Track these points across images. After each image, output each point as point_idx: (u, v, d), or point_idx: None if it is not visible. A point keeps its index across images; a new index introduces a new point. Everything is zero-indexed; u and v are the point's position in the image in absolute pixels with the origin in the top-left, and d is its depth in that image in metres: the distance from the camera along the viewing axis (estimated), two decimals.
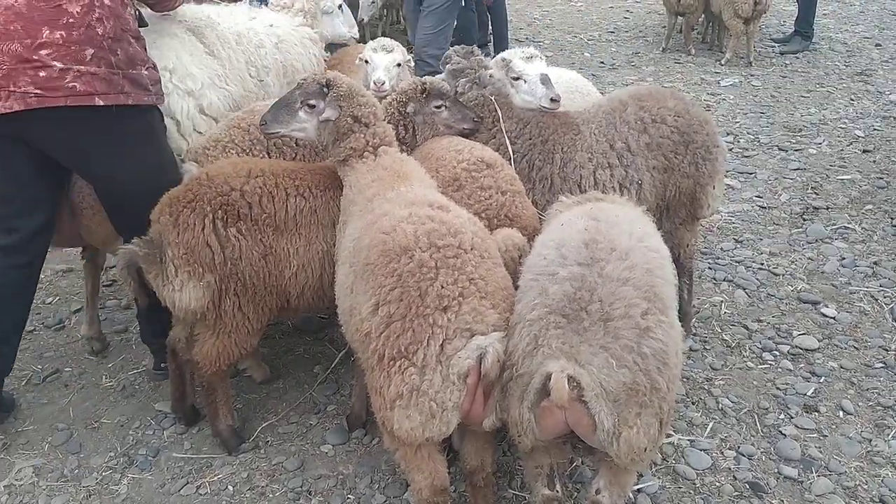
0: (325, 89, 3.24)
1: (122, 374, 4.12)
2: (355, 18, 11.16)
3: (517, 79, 3.88)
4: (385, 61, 4.44)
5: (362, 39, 11.79)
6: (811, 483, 3.27)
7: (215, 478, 3.36)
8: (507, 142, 3.82)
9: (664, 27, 12.10)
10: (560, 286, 2.49)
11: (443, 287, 2.50)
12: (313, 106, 3.24)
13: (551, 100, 3.80)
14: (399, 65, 4.76)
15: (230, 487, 3.30)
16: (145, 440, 3.62)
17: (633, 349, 2.37)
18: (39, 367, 4.21)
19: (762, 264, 5.18)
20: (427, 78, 3.78)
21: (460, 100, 3.86)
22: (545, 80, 3.84)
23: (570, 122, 3.91)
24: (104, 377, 4.09)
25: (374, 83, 4.18)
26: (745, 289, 4.86)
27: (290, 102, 3.28)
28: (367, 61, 4.43)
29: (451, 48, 4.03)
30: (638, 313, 2.41)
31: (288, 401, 3.88)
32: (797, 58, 10.61)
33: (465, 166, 3.29)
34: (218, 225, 3.18)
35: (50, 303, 4.87)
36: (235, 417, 3.61)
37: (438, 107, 3.68)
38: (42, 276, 5.00)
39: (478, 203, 3.19)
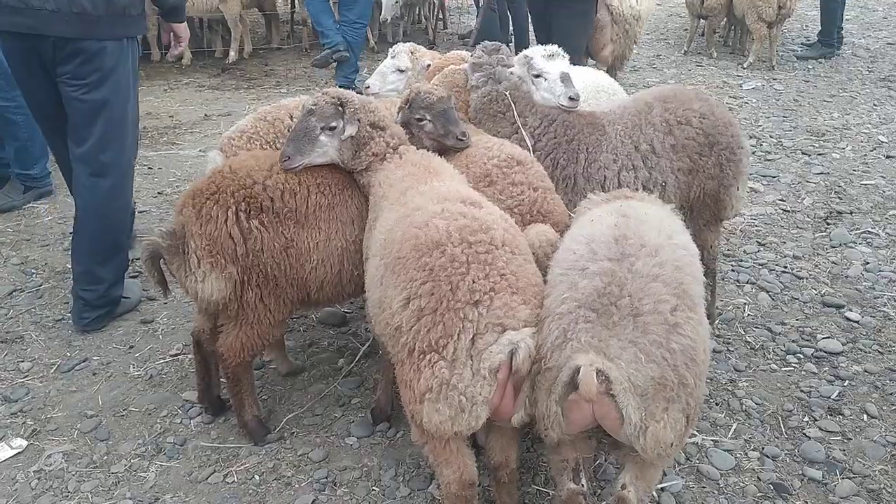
0: (339, 108, 3.27)
1: (150, 364, 4.17)
2: (378, 18, 11.31)
3: (538, 76, 3.90)
4: (382, 66, 4.85)
5: (384, 38, 11.92)
6: (835, 485, 3.27)
7: (242, 467, 3.40)
8: (527, 137, 3.84)
9: (685, 30, 12.10)
10: (590, 281, 2.51)
11: (474, 282, 2.52)
12: (334, 128, 3.27)
13: (570, 98, 3.82)
14: (402, 70, 4.85)
15: (256, 477, 3.34)
16: (173, 429, 3.67)
17: (662, 344, 2.38)
18: (68, 354, 4.27)
19: (785, 267, 5.17)
20: (420, 87, 3.67)
21: (475, 94, 3.88)
22: (565, 78, 3.86)
23: (596, 123, 3.93)
24: (132, 366, 4.15)
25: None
26: (768, 291, 4.85)
27: (307, 131, 3.27)
28: None
29: (481, 44, 4.05)
30: (667, 309, 2.43)
31: (312, 393, 3.92)
32: (819, 63, 10.58)
33: (496, 163, 3.32)
34: (241, 217, 3.21)
35: None
36: (261, 408, 3.66)
37: (420, 119, 3.52)
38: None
39: (510, 199, 3.21)
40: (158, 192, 6.51)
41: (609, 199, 3.10)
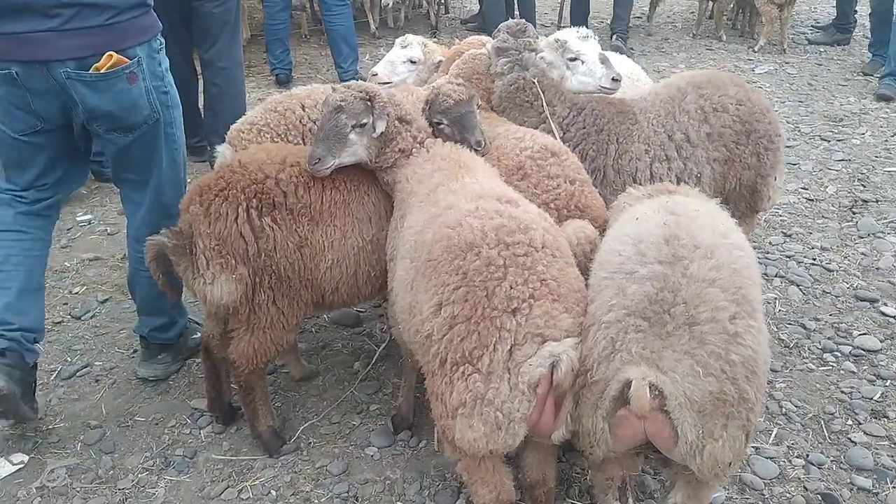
0: (368, 103, 3.03)
1: None
2: (379, 3, 11.04)
3: (574, 59, 3.67)
4: (391, 55, 4.69)
5: (385, 24, 11.64)
6: (887, 495, 3.09)
7: (257, 481, 3.20)
8: (555, 128, 3.61)
9: (692, 13, 11.84)
10: (640, 286, 2.31)
11: (512, 287, 2.32)
12: (364, 125, 3.03)
13: (612, 79, 3.60)
14: (413, 62, 4.64)
15: (273, 492, 3.15)
16: (182, 440, 3.47)
17: (721, 356, 2.19)
18: (69, 359, 4.06)
19: (814, 259, 4.97)
20: (441, 86, 3.33)
21: (500, 82, 3.65)
22: (604, 59, 3.64)
23: (627, 111, 3.71)
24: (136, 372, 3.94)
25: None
26: (798, 285, 4.65)
27: (338, 130, 3.01)
28: None
29: (504, 23, 3.80)
30: (726, 317, 2.23)
31: (328, 399, 3.72)
32: (832, 46, 10.33)
33: (530, 154, 3.10)
34: (252, 214, 3.01)
35: (77, 293, 4.71)
36: (275, 417, 3.46)
37: (438, 123, 3.28)
38: (68, 264, 4.94)
39: (545, 193, 2.99)
40: None
41: (651, 193, 2.89)
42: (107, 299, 4.60)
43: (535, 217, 2.53)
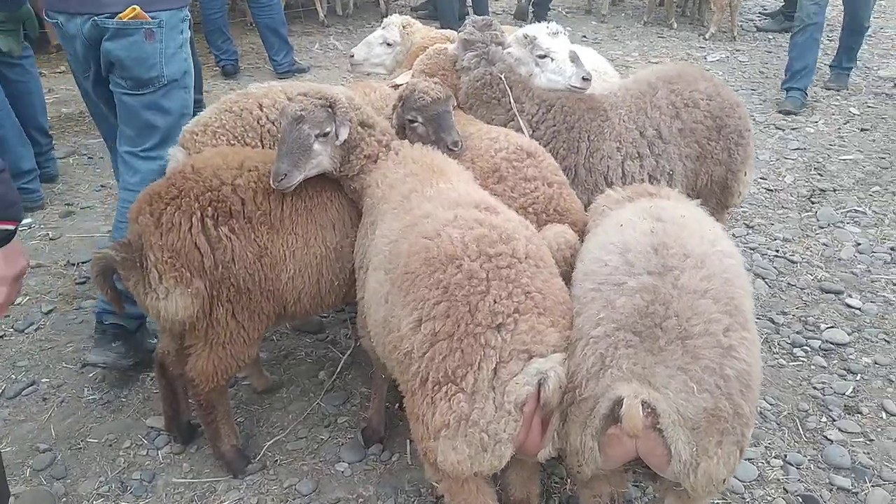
0: (330, 110, 2.87)
1: (106, 385, 3.74)
2: None
3: (543, 57, 3.54)
4: (371, 36, 4.63)
5: (332, 11, 11.35)
6: (866, 494, 3.07)
7: None
8: (524, 125, 3.49)
9: (643, 1, 11.85)
10: (629, 298, 2.21)
11: (496, 302, 2.20)
12: (327, 133, 2.87)
13: (583, 79, 3.48)
14: (390, 44, 4.51)
15: None
16: (138, 462, 3.27)
17: (716, 371, 2.11)
18: (13, 377, 3.81)
19: (777, 251, 4.97)
20: (417, 83, 3.19)
21: (466, 77, 3.51)
22: (574, 57, 3.52)
23: (597, 107, 3.60)
24: (86, 389, 3.71)
25: None
26: (764, 278, 4.64)
27: (300, 142, 2.83)
28: None
29: (469, 17, 3.66)
30: (719, 330, 2.15)
31: (294, 412, 3.56)
32: (780, 33, 10.43)
33: (505, 155, 2.97)
34: (208, 224, 2.83)
35: (19, 303, 4.42)
36: (238, 435, 3.28)
37: (412, 121, 3.14)
38: None
39: (523, 196, 2.87)
40: (101, 185, 5.98)
41: (631, 196, 2.79)
42: (51, 310, 4.34)
43: (516, 226, 2.41)
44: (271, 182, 2.85)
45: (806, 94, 7.65)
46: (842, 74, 8.25)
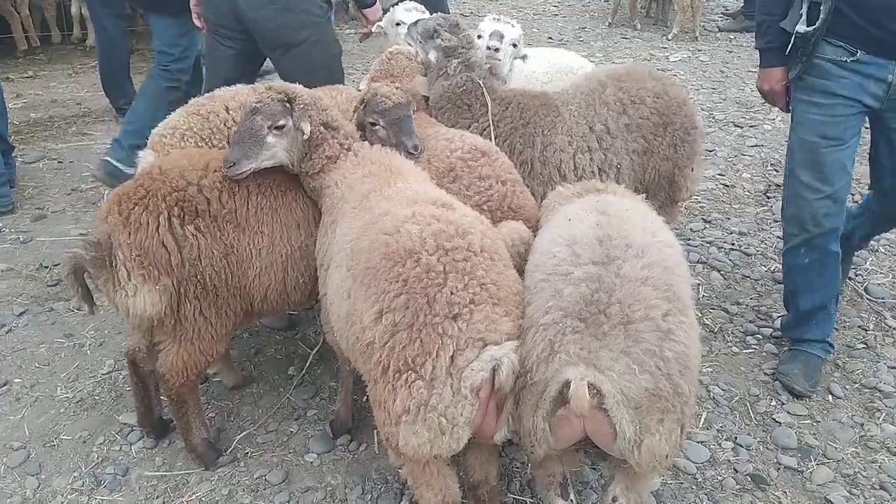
0: (287, 104, 2.98)
1: (78, 384, 3.82)
2: None
3: (479, 37, 3.97)
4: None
5: None
6: (811, 472, 3.24)
7: (193, 496, 3.12)
8: (492, 130, 3.63)
9: (608, 2, 12.05)
10: (575, 287, 2.35)
11: (452, 293, 2.32)
12: (282, 126, 2.97)
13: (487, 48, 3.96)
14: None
15: None
16: (112, 457, 3.35)
17: (656, 353, 2.25)
18: None
19: (733, 244, 5.16)
20: (379, 88, 3.28)
21: (448, 82, 3.65)
22: (495, 34, 3.95)
23: (550, 104, 3.76)
24: (59, 388, 3.78)
25: None
26: (720, 271, 4.82)
27: (253, 132, 2.94)
28: None
29: (433, 18, 3.78)
30: (659, 315, 2.29)
31: (264, 407, 3.66)
32: (741, 33, 10.69)
33: (460, 155, 3.09)
34: (174, 223, 2.92)
35: None
36: (210, 429, 3.37)
37: (374, 124, 3.24)
38: None
39: (478, 195, 3.00)
40: (72, 189, 6.02)
41: (580, 192, 2.93)
42: (23, 312, 4.39)
43: (472, 221, 2.53)
44: (223, 168, 2.96)
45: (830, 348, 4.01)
46: None
